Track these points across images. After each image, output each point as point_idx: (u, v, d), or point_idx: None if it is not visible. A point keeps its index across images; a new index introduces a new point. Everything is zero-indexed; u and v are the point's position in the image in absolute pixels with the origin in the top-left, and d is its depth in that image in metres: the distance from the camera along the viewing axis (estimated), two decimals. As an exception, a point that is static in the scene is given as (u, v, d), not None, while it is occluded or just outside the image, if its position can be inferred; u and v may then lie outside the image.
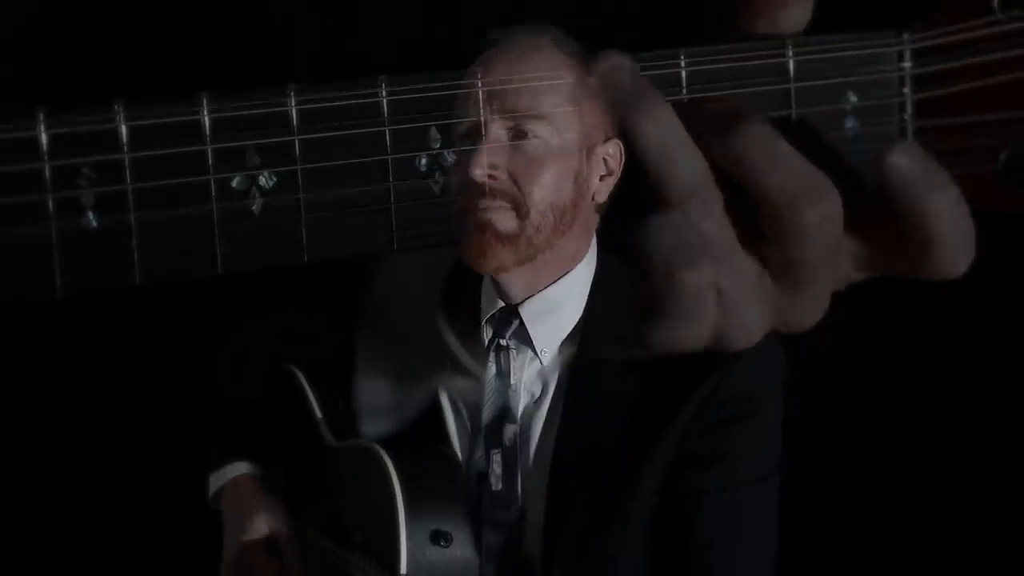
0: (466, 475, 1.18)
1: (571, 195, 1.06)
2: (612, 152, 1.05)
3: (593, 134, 1.04)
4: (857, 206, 0.43)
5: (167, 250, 0.42)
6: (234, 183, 0.42)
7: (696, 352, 0.45)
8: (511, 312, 1.15)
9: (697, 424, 1.12)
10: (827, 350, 1.34)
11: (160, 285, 0.42)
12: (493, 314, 1.16)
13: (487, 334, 1.17)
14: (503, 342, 1.16)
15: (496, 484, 1.16)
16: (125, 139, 0.41)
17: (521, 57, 1.01)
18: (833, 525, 1.68)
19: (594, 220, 1.13)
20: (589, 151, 1.05)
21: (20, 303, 0.40)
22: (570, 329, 1.16)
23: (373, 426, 1.25)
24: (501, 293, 1.15)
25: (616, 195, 0.47)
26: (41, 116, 0.40)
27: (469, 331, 1.19)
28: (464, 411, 1.20)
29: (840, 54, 0.45)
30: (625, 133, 0.43)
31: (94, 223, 0.41)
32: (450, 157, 0.45)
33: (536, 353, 1.16)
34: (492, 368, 1.17)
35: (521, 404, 1.17)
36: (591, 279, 1.16)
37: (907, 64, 0.45)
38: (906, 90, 0.45)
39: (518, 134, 1.03)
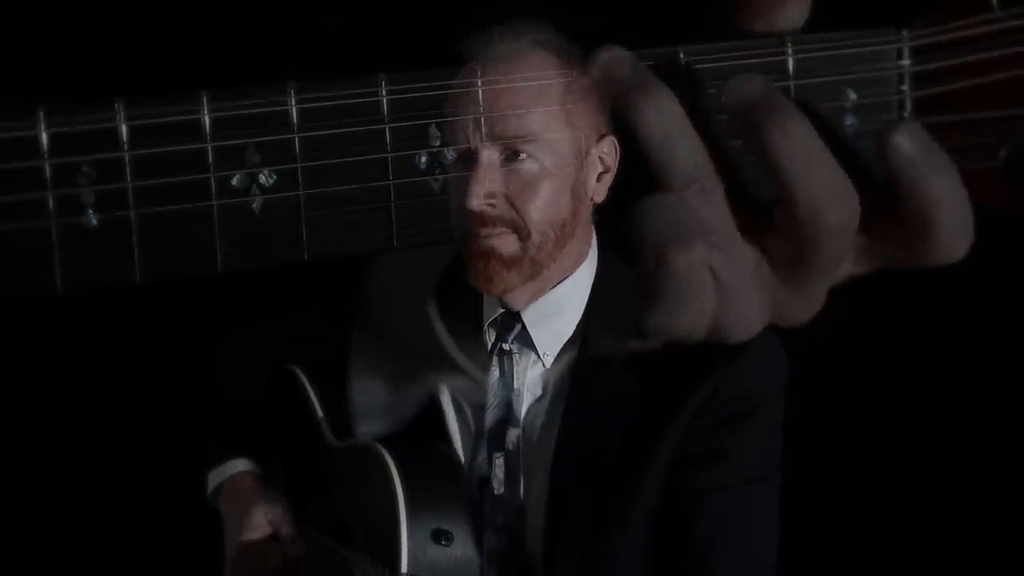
0: (468, 479, 1.18)
1: (570, 207, 1.06)
2: (607, 150, 1.05)
3: (586, 138, 1.03)
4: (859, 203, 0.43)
5: (167, 248, 0.42)
6: (234, 181, 0.42)
7: (696, 347, 0.45)
8: (513, 316, 1.15)
9: (698, 423, 1.12)
10: (827, 350, 1.34)
11: (160, 283, 0.42)
12: (495, 318, 1.16)
13: (490, 337, 1.17)
14: (506, 346, 1.16)
15: (499, 488, 1.16)
16: (125, 137, 0.41)
17: (508, 70, 1.00)
18: (833, 525, 1.68)
19: (591, 219, 1.13)
20: (584, 156, 1.04)
21: (21, 301, 0.40)
22: (572, 330, 1.16)
23: (368, 425, 1.25)
24: (503, 301, 1.15)
25: (615, 190, 0.46)
26: (41, 115, 0.40)
27: (471, 334, 1.19)
28: (468, 412, 1.20)
29: (839, 52, 0.45)
30: (625, 123, 0.43)
31: (94, 221, 0.41)
32: (450, 155, 0.45)
33: (539, 356, 1.16)
34: (495, 372, 1.17)
35: (524, 407, 1.16)
36: (592, 280, 1.16)
37: (906, 61, 0.45)
38: (905, 87, 0.45)
39: (511, 155, 1.03)
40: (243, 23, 1.79)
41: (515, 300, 1.13)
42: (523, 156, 1.02)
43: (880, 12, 0.47)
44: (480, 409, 1.18)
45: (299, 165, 0.43)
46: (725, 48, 0.45)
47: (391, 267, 1.27)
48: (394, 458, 1.17)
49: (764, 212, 0.43)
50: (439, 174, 0.44)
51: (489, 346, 1.17)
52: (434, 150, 0.44)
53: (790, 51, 0.45)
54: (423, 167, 0.44)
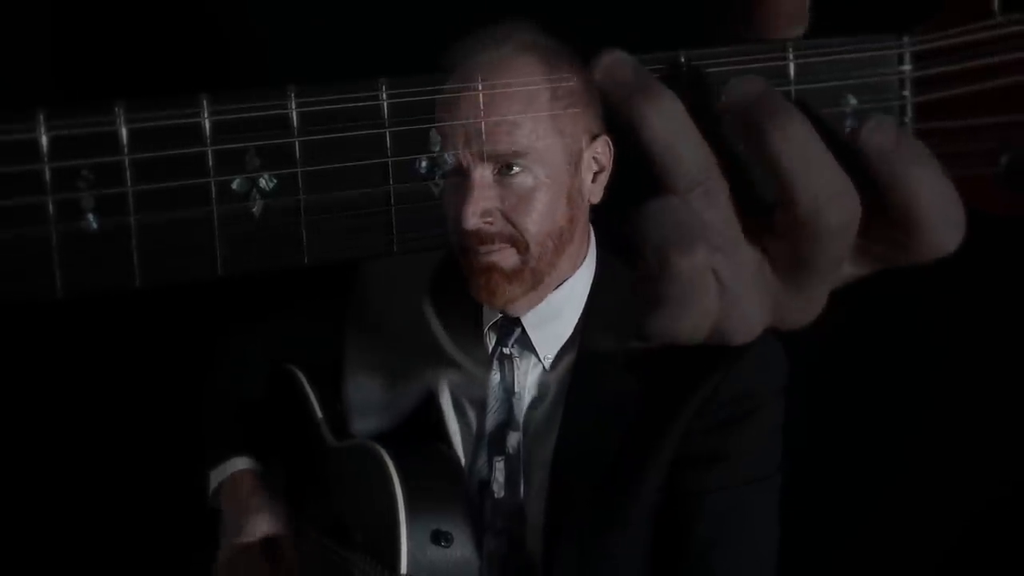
0: (468, 483, 1.18)
1: (567, 214, 1.06)
2: (601, 149, 1.04)
3: (578, 141, 1.02)
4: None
5: (167, 252, 0.42)
6: (234, 185, 0.42)
7: (697, 348, 0.45)
8: (513, 321, 1.15)
9: (698, 423, 1.12)
10: (827, 351, 1.34)
11: (160, 287, 0.42)
12: (495, 322, 1.16)
13: (490, 341, 1.17)
14: (506, 350, 1.16)
15: (499, 492, 1.16)
16: (125, 141, 0.41)
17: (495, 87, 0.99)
18: (833, 525, 1.68)
19: (588, 220, 1.12)
20: (577, 160, 1.04)
21: (20, 304, 0.40)
22: (571, 332, 1.16)
23: (363, 422, 1.25)
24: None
25: (612, 190, 0.46)
26: (41, 118, 0.40)
27: (471, 337, 1.18)
28: (469, 411, 1.20)
29: (840, 57, 0.45)
30: (629, 126, 0.43)
31: (94, 225, 0.41)
32: (449, 159, 0.45)
33: (539, 359, 1.16)
34: (496, 376, 1.17)
35: (524, 410, 1.16)
36: (591, 281, 1.16)
37: (907, 67, 0.45)
38: (906, 93, 0.45)
39: (503, 170, 1.02)
40: (233, 25, 1.79)
41: (515, 307, 1.13)
42: (516, 169, 1.02)
43: (881, 17, 0.47)
44: (481, 406, 1.18)
45: (299, 169, 0.42)
46: (726, 52, 0.45)
47: (387, 265, 1.27)
48: (393, 459, 1.16)
49: (765, 214, 0.43)
50: (439, 179, 0.44)
51: (490, 350, 1.17)
52: (434, 155, 0.44)
53: (791, 56, 0.45)
54: (423, 172, 0.44)
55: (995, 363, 1.62)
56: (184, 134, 0.41)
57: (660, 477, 1.13)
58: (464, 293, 1.12)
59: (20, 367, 1.75)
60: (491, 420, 1.17)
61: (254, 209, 0.42)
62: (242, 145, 0.42)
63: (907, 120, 0.45)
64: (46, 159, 0.40)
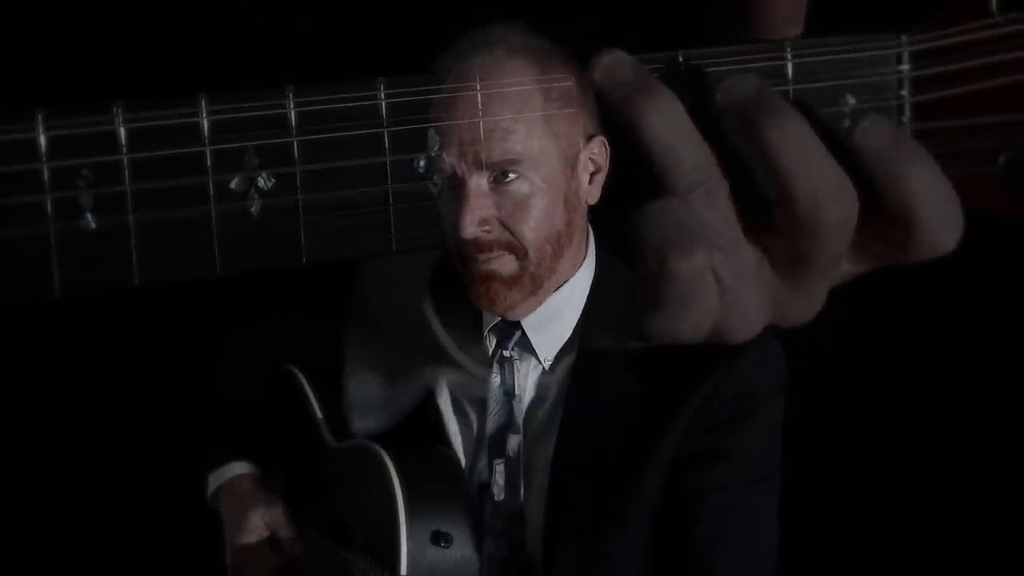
0: (468, 485, 1.18)
1: (564, 217, 1.06)
2: (597, 150, 1.04)
3: (574, 143, 1.02)
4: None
5: (165, 251, 0.42)
6: (233, 184, 0.42)
7: (697, 348, 0.45)
8: (513, 324, 1.15)
9: (699, 423, 1.12)
10: (827, 350, 1.34)
11: (159, 286, 0.42)
12: (495, 324, 1.16)
13: (490, 344, 1.17)
14: (506, 353, 1.16)
15: (499, 495, 1.16)
16: (124, 140, 0.41)
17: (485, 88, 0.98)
18: (833, 525, 1.68)
19: (586, 221, 1.12)
20: (573, 162, 1.04)
21: (19, 304, 0.40)
22: (571, 333, 1.16)
23: (363, 421, 1.25)
24: None
25: (610, 191, 0.46)
26: (40, 117, 0.40)
27: (471, 339, 1.18)
28: (469, 411, 1.19)
29: (839, 56, 0.45)
30: (629, 127, 0.43)
31: (93, 224, 0.41)
32: (448, 159, 0.45)
33: (539, 361, 1.16)
34: (496, 379, 1.16)
35: (524, 413, 1.16)
36: (591, 281, 1.16)
37: (906, 66, 0.45)
38: (904, 92, 0.45)
39: (499, 177, 1.02)
40: (231, 25, 1.79)
41: (515, 312, 1.13)
42: (511, 176, 1.01)
43: (880, 17, 0.47)
44: (481, 407, 1.18)
45: (297, 169, 0.42)
46: (725, 52, 0.45)
47: (386, 263, 1.27)
48: (393, 459, 1.16)
49: (764, 213, 0.43)
50: (438, 178, 0.44)
51: (490, 353, 1.17)
52: (433, 154, 0.44)
53: (789, 55, 0.45)
54: (421, 171, 0.44)
55: (994, 362, 1.62)
56: (182, 134, 0.41)
57: (660, 477, 1.13)
58: (465, 299, 1.12)
59: (20, 367, 1.75)
60: (491, 423, 1.17)
61: (252, 208, 0.42)
62: (240, 145, 0.42)
63: (906, 120, 0.45)
64: (45, 158, 0.40)
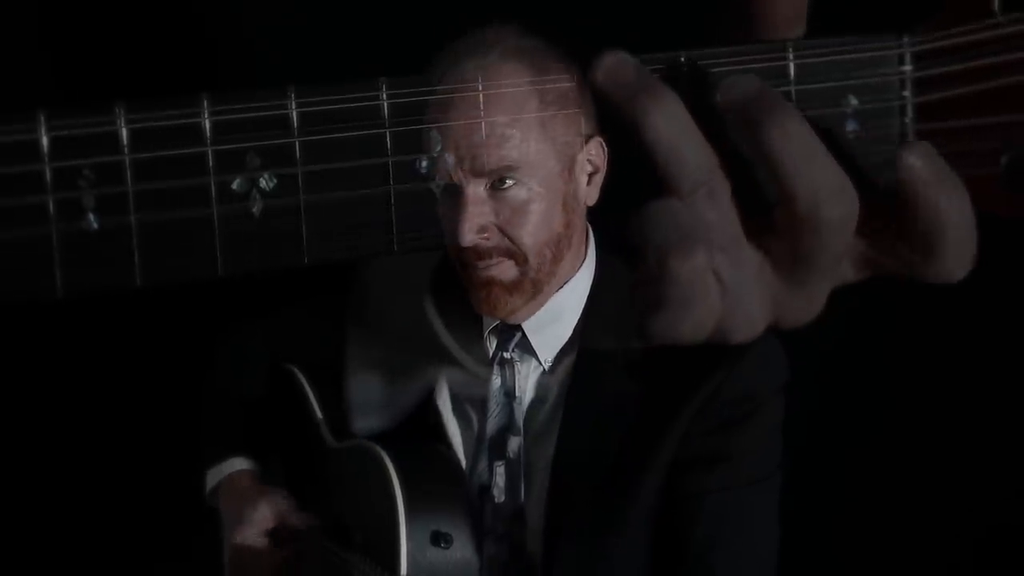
0: (469, 487, 1.18)
1: (563, 221, 1.06)
2: (594, 151, 1.04)
3: (571, 145, 1.02)
4: (860, 207, 0.43)
5: (167, 252, 0.42)
6: (234, 185, 0.42)
7: (698, 348, 0.45)
8: (513, 326, 1.15)
9: (699, 424, 1.12)
10: (827, 350, 1.34)
11: (160, 286, 0.42)
12: (495, 326, 1.16)
13: (490, 345, 1.17)
14: (507, 355, 1.16)
15: (499, 496, 1.16)
16: (126, 141, 0.41)
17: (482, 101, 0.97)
18: (833, 525, 1.68)
19: (585, 222, 1.12)
20: (571, 165, 1.04)
21: (21, 303, 0.40)
22: (571, 333, 1.16)
23: (364, 421, 1.25)
24: None
25: (609, 192, 0.46)
26: (42, 118, 0.40)
27: (471, 339, 1.18)
28: (469, 410, 1.19)
29: (841, 57, 0.45)
30: (632, 128, 0.43)
31: (95, 225, 0.41)
32: (449, 160, 0.45)
33: (540, 362, 1.16)
34: (496, 381, 1.16)
35: (525, 414, 1.16)
36: (591, 282, 1.16)
37: (908, 67, 0.45)
38: (907, 93, 0.45)
39: (496, 183, 1.02)
40: (233, 26, 1.79)
41: (516, 316, 1.13)
42: (509, 183, 1.01)
43: (881, 18, 0.47)
44: (482, 408, 1.17)
45: (299, 169, 0.43)
46: (726, 53, 0.45)
47: (387, 263, 1.27)
48: (393, 460, 1.16)
49: (765, 214, 0.43)
50: (439, 179, 0.44)
51: (490, 354, 1.17)
52: (435, 154, 0.44)
53: (791, 56, 0.45)
54: (423, 171, 0.44)
55: (995, 363, 1.62)
56: (184, 134, 0.41)
57: (660, 478, 1.13)
58: (465, 301, 1.12)
59: (20, 367, 1.75)
60: (492, 424, 1.16)
61: (254, 209, 0.42)
62: (242, 145, 0.42)
63: (908, 120, 0.45)
64: (47, 159, 0.40)
